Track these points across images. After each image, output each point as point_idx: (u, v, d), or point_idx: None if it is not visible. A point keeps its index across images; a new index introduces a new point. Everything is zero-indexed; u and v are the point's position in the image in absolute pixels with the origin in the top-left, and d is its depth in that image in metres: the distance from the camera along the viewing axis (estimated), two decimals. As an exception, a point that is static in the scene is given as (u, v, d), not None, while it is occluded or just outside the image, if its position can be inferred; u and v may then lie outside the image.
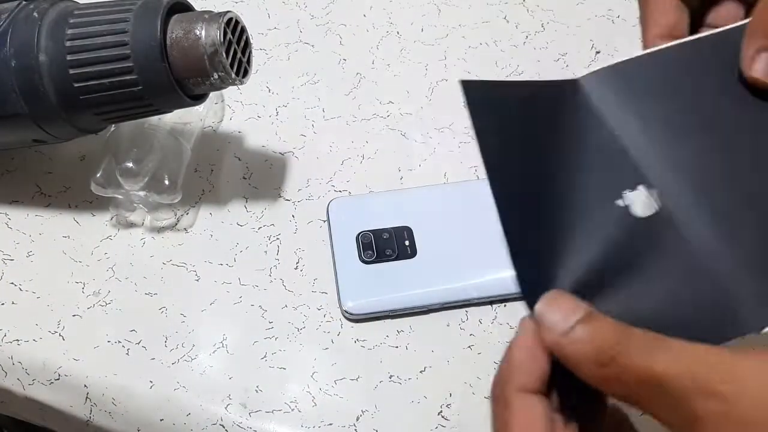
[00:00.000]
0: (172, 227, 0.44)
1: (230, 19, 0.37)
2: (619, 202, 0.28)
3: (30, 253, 0.43)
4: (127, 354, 0.39)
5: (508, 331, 0.40)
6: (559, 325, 0.23)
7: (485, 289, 0.41)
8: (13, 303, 0.41)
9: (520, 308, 0.26)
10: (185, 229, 0.44)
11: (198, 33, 0.36)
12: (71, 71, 0.36)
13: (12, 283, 0.41)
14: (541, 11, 0.55)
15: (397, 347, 0.39)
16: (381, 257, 0.42)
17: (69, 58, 0.36)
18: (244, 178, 0.46)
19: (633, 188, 0.28)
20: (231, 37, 0.37)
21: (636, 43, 0.54)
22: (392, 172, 0.46)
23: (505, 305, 0.41)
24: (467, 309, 0.41)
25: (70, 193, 0.45)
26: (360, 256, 0.42)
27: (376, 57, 0.53)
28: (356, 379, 0.38)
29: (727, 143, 0.29)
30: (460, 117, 0.49)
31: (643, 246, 0.27)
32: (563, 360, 0.23)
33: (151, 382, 0.38)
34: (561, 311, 0.23)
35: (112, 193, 0.42)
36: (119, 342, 0.39)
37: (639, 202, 0.28)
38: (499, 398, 0.24)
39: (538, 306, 0.24)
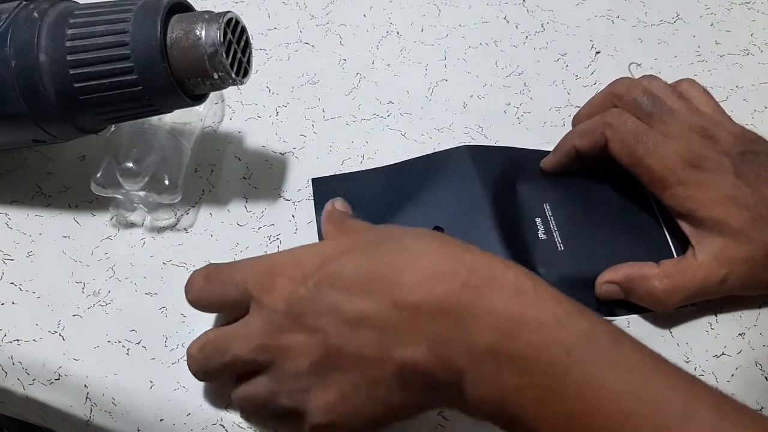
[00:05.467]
0: (172, 227, 0.44)
1: (230, 19, 0.37)
2: None
3: (30, 253, 0.43)
4: (127, 354, 0.39)
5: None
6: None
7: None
8: (13, 303, 0.41)
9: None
10: (185, 229, 0.44)
11: (198, 33, 0.36)
12: (71, 71, 0.36)
13: (12, 283, 0.41)
14: (541, 11, 0.55)
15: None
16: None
17: (69, 58, 0.36)
18: (244, 178, 0.46)
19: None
20: (231, 37, 0.37)
21: (636, 43, 0.54)
22: (392, 172, 0.46)
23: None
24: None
25: (70, 193, 0.45)
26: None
27: (376, 57, 0.53)
28: (356, 379, 0.38)
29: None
30: (460, 117, 0.49)
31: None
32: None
33: (151, 382, 0.38)
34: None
35: (112, 193, 0.42)
36: (119, 342, 0.39)
37: None
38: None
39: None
